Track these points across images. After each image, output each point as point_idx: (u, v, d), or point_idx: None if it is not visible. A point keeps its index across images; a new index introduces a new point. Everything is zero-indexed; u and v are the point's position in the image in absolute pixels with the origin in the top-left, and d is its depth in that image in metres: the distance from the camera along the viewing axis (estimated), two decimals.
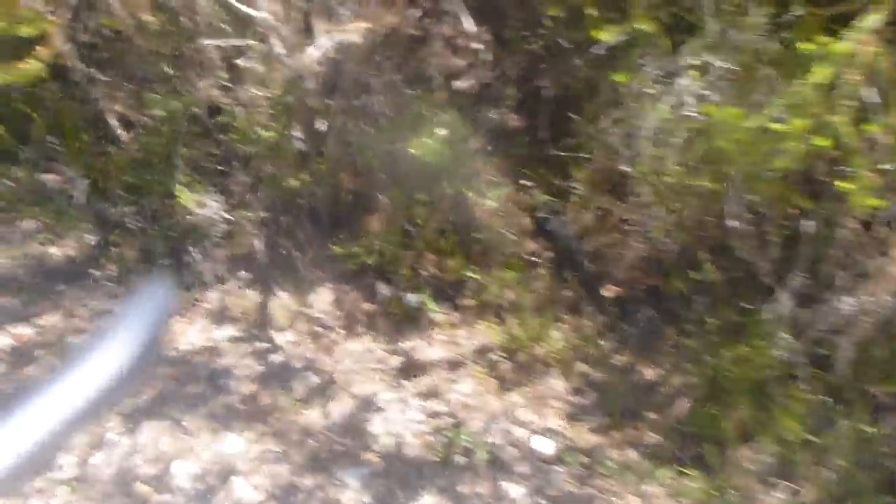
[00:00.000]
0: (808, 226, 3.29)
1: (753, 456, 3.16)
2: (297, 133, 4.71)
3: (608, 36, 3.67)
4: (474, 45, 4.36)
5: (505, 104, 4.59)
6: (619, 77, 3.91)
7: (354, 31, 3.56)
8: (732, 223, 3.24)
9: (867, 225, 3.20)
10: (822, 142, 2.70)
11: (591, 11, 3.34)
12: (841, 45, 2.60)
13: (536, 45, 4.51)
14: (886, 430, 2.98)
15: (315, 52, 3.82)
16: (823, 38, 2.64)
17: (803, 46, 2.37)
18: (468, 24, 3.98)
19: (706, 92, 3.52)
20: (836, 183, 3.13)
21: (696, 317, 3.64)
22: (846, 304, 3.27)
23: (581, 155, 4.35)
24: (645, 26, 3.66)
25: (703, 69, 3.55)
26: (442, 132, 3.52)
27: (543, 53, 4.54)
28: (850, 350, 3.24)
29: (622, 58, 4.29)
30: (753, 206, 3.20)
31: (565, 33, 4.17)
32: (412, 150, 3.55)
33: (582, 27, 3.73)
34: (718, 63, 3.47)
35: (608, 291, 4.42)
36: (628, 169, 3.73)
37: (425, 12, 4.62)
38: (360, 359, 3.97)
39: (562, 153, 4.49)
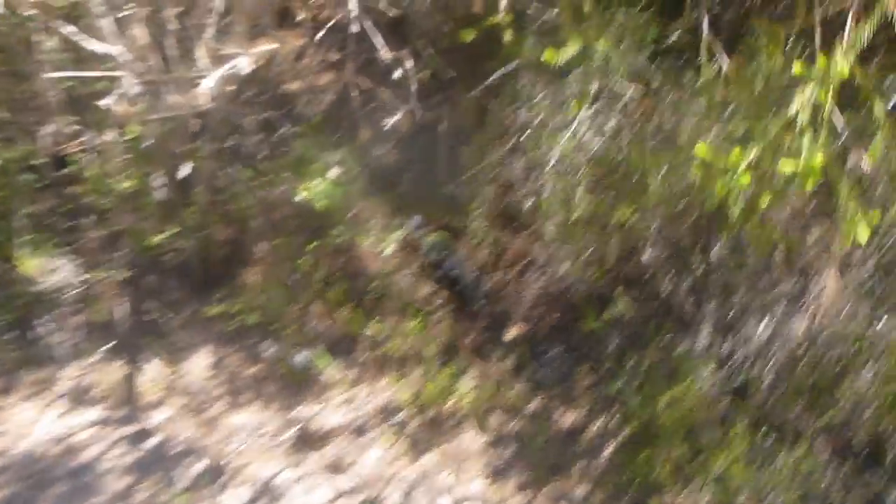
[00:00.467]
0: (721, 254, 3.16)
1: (691, 501, 2.98)
2: (160, 181, 4.23)
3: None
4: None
5: (397, 140, 4.30)
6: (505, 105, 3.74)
7: (253, 56, 3.10)
8: (648, 255, 3.06)
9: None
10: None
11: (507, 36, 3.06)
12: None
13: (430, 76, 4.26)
14: (823, 460, 2.88)
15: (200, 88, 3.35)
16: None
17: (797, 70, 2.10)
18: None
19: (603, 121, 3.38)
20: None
21: (614, 355, 3.45)
22: (762, 331, 3.17)
23: (477, 190, 4.11)
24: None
25: (594, 97, 3.42)
26: (329, 173, 3.17)
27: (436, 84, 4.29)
28: (771, 379, 3.13)
29: (510, 87, 4.12)
30: (669, 237, 3.03)
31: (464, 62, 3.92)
32: (295, 194, 3.16)
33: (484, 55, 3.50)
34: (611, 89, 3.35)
35: (512, 331, 4.19)
36: (528, 203, 3.51)
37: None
38: (250, 433, 3.51)
39: (456, 190, 4.24)
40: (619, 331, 3.47)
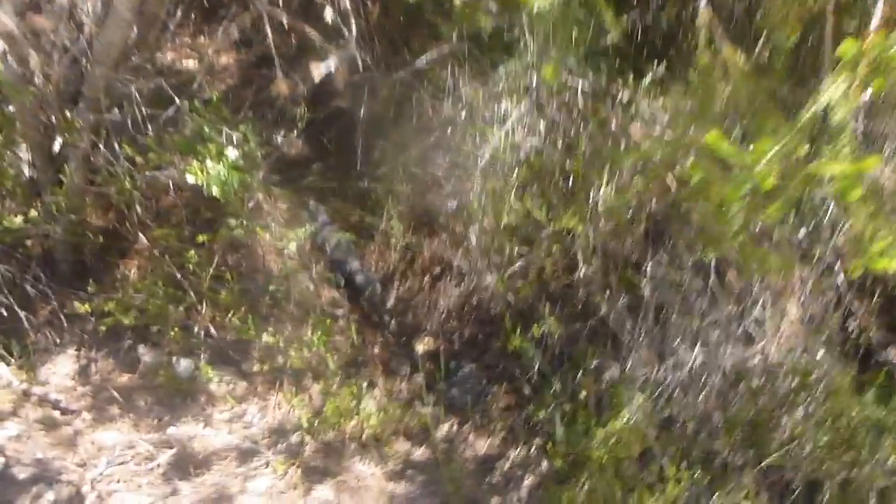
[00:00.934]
0: (659, 273, 2.90)
1: None
2: (24, 154, 3.64)
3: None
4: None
5: (302, 128, 3.86)
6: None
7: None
8: (582, 270, 2.77)
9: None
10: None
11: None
12: None
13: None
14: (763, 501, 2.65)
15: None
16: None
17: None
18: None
19: (537, 120, 3.07)
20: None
21: (537, 378, 3.14)
22: (695, 357, 2.94)
23: (392, 188, 3.73)
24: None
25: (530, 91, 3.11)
26: (227, 155, 2.71)
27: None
28: (704, 410, 2.89)
29: (438, 75, 3.77)
30: (607, 251, 2.75)
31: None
32: (188, 177, 2.69)
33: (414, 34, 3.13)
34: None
35: (423, 345, 3.82)
36: (450, 204, 3.16)
37: None
38: (118, 455, 2.99)
39: (369, 185, 3.85)
40: (544, 351, 3.16)
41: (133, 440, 3.08)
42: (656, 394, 2.91)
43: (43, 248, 3.58)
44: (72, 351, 3.52)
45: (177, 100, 3.09)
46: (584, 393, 3.00)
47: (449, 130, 3.48)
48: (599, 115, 2.74)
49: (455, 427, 3.39)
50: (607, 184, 2.63)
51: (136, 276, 3.70)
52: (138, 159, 3.32)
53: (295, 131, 4.10)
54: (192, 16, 5.31)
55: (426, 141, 3.65)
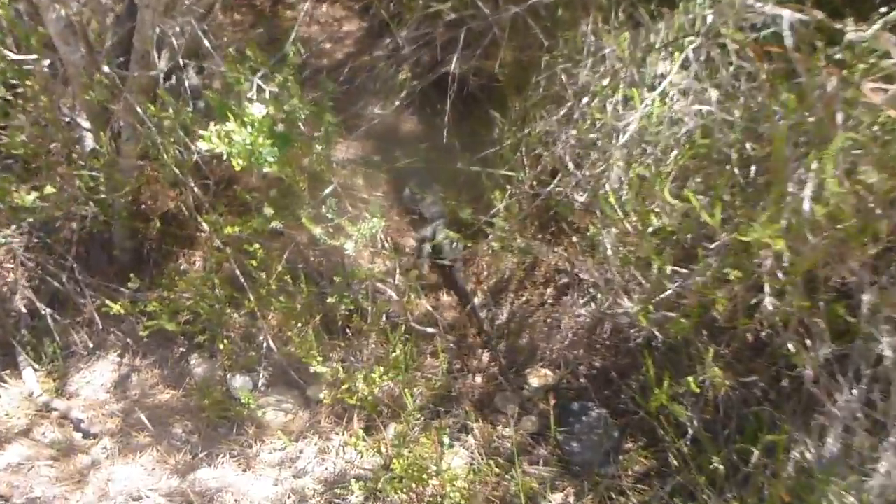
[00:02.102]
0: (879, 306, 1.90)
1: None
2: (84, 123, 3.10)
3: None
4: None
5: (405, 97, 3.12)
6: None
7: None
8: (769, 302, 1.81)
9: None
10: None
11: None
12: None
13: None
14: None
15: None
16: None
17: None
18: None
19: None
20: None
21: (687, 441, 2.21)
22: None
23: (504, 172, 2.88)
24: None
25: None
26: (251, 112, 1.95)
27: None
28: None
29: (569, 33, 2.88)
30: (809, 272, 1.78)
31: None
32: (200, 145, 1.96)
33: None
34: None
35: (537, 377, 2.96)
36: (579, 198, 2.27)
37: None
38: (130, 497, 2.36)
39: (476, 168, 3.02)
40: (702, 408, 2.22)
41: (153, 483, 2.43)
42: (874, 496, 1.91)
43: (83, 233, 3.02)
44: (113, 357, 2.95)
45: (206, 43, 2.38)
46: (758, 479, 2.04)
47: (585, 101, 2.59)
48: (812, 69, 1.76)
49: (572, 498, 2.51)
50: (820, 176, 1.65)
51: (195, 271, 3.08)
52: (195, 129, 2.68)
53: (396, 101, 3.34)
54: None
55: (551, 116, 2.77)
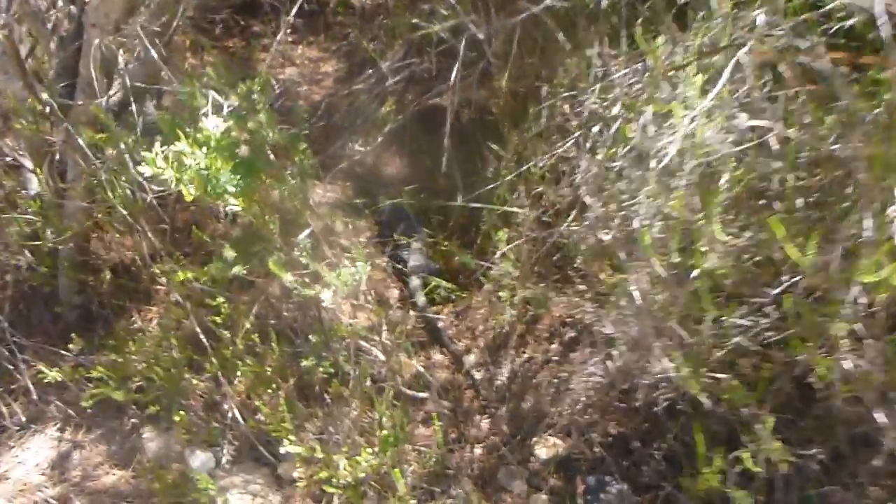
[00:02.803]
0: None
1: None
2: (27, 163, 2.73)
3: None
4: None
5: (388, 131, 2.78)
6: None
7: None
8: (850, 361, 1.45)
9: None
10: None
11: None
12: None
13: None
14: None
15: None
16: None
17: None
18: None
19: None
20: None
21: None
22: None
23: (507, 209, 2.54)
24: None
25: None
26: (204, 127, 1.58)
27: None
28: None
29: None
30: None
31: None
32: (143, 170, 1.57)
33: None
34: None
35: (545, 447, 2.57)
36: (605, 237, 1.93)
37: None
38: None
39: (470, 209, 2.67)
40: (758, 489, 1.84)
41: None
42: None
43: (23, 288, 2.63)
44: (52, 432, 2.53)
45: (164, 69, 2.03)
46: None
47: (598, 128, 2.27)
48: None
49: None
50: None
51: (151, 330, 2.69)
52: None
53: (380, 137, 3.01)
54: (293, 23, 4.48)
55: (560, 146, 2.45)
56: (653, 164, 1.70)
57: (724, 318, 1.58)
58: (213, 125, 1.49)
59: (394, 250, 3.04)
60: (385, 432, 2.14)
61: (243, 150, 1.51)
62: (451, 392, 2.71)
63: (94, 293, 2.79)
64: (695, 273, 1.59)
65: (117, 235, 2.84)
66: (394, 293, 3.01)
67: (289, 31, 4.53)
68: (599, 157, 1.92)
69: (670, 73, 1.79)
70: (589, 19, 2.73)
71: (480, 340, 2.88)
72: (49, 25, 2.54)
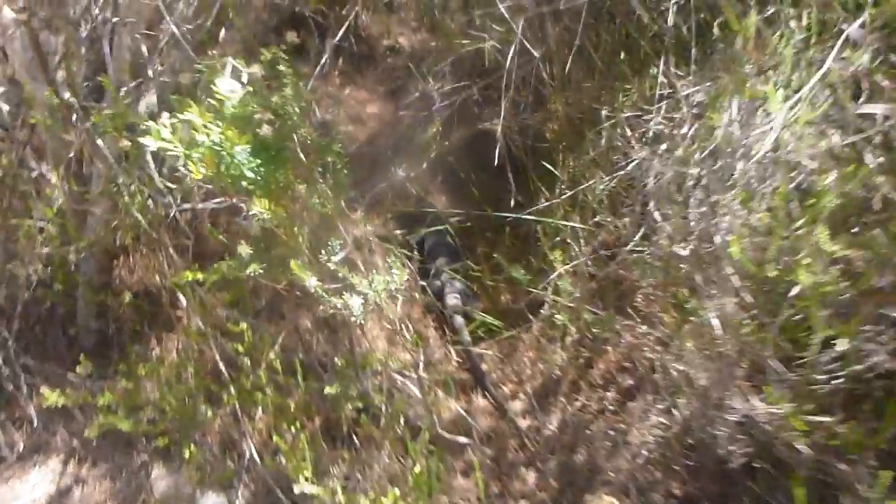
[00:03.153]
0: None
1: None
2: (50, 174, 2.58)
3: None
4: None
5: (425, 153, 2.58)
6: None
7: None
8: None
9: None
10: None
11: None
12: None
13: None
14: None
15: None
16: None
17: None
18: None
19: None
20: None
21: None
22: None
23: (562, 223, 2.29)
24: None
25: None
26: (219, 91, 1.37)
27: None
28: None
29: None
30: None
31: None
32: (147, 141, 1.36)
33: None
34: None
35: None
36: (682, 251, 1.66)
37: None
38: None
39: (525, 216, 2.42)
40: None
41: None
42: None
43: (42, 310, 2.46)
44: (54, 464, 2.30)
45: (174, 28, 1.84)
46: None
47: (663, 148, 2.03)
48: None
49: None
50: None
51: (168, 359, 2.47)
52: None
53: (423, 163, 2.81)
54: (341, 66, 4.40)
55: (623, 165, 2.22)
56: (740, 165, 1.45)
57: (834, 342, 1.30)
58: (227, 88, 1.28)
59: (434, 284, 2.81)
60: (417, 477, 1.86)
61: (265, 129, 1.31)
62: (495, 441, 2.42)
63: (113, 317, 2.60)
64: (795, 290, 1.32)
65: (140, 256, 2.67)
66: (432, 331, 2.76)
67: (336, 72, 4.44)
68: (673, 158, 1.67)
69: (764, 58, 1.56)
70: (652, 40, 2.54)
71: (528, 385, 2.60)
72: (83, 32, 2.42)
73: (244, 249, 1.40)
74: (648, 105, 2.34)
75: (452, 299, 2.76)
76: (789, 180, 1.55)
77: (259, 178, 1.32)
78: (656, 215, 1.76)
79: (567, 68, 2.60)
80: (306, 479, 1.78)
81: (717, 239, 1.52)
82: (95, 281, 2.52)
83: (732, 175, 1.52)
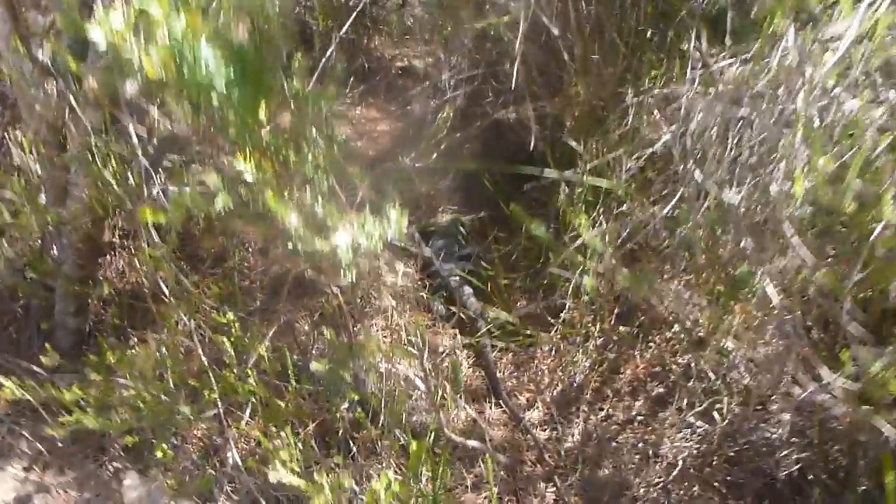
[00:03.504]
0: None
1: None
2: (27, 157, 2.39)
3: None
4: None
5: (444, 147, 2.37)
6: None
7: None
8: None
9: None
10: None
11: None
12: None
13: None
14: None
15: None
16: None
17: None
18: None
19: None
20: None
21: None
22: None
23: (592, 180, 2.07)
24: None
25: None
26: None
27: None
28: None
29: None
30: None
31: None
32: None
33: None
34: None
35: None
36: (734, 198, 1.43)
37: None
38: None
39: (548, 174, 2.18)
40: None
41: None
42: None
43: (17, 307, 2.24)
44: (16, 470, 2.06)
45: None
46: None
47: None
48: None
49: None
50: None
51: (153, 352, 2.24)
52: None
53: (434, 154, 2.61)
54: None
55: (652, 143, 2.01)
56: (800, 100, 1.23)
57: None
58: None
59: (443, 283, 2.58)
60: (422, 489, 1.60)
61: (241, 34, 1.10)
62: (509, 452, 2.16)
63: (93, 314, 2.38)
64: (877, 230, 1.08)
65: (127, 253, 2.46)
66: (441, 333, 2.53)
67: (347, 92, 4.31)
68: (718, 94, 1.44)
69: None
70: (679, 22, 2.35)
71: (546, 394, 2.35)
72: None
73: (211, 178, 1.18)
74: (678, 85, 2.14)
75: (467, 295, 2.53)
76: (867, 106, 1.31)
77: (233, 85, 1.10)
78: (697, 174, 1.53)
79: (588, 50, 2.41)
80: (284, 465, 1.53)
81: (774, 188, 1.29)
82: (75, 273, 2.30)
83: (789, 114, 1.29)
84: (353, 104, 4.35)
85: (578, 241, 1.85)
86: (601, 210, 2.18)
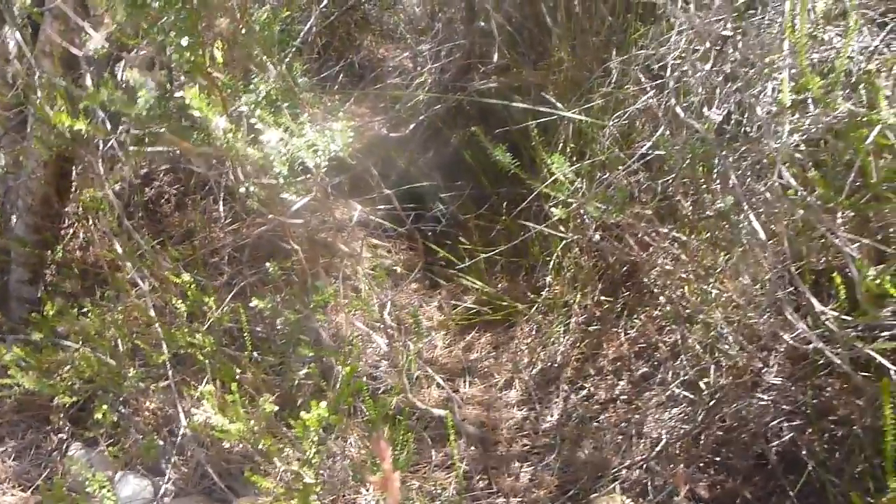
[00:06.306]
0: None
1: None
2: None
3: None
4: None
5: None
6: None
7: None
8: None
9: None
10: None
11: None
12: None
13: None
14: None
15: None
16: None
17: None
18: None
19: None
20: None
21: None
22: None
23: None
24: None
25: None
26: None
27: None
28: None
29: None
30: None
31: None
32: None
33: None
34: None
35: None
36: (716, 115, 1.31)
37: None
38: None
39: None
40: None
41: None
42: None
43: None
44: None
45: None
46: None
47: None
48: None
49: None
50: None
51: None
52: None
53: (411, 124, 2.51)
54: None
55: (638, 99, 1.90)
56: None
57: None
58: None
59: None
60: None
61: None
62: (483, 430, 2.02)
63: (50, 283, 2.26)
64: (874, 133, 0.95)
65: (91, 225, 2.34)
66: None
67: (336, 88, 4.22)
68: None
69: None
70: None
71: (525, 373, 2.21)
72: None
73: (133, 76, 1.05)
74: (664, 48, 2.04)
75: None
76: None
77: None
78: (678, 110, 1.41)
79: (572, 14, 2.31)
80: (251, 474, 1.39)
81: (759, 111, 1.17)
82: (30, 237, 2.19)
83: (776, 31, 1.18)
84: (342, 101, 4.27)
85: (552, 178, 1.72)
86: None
